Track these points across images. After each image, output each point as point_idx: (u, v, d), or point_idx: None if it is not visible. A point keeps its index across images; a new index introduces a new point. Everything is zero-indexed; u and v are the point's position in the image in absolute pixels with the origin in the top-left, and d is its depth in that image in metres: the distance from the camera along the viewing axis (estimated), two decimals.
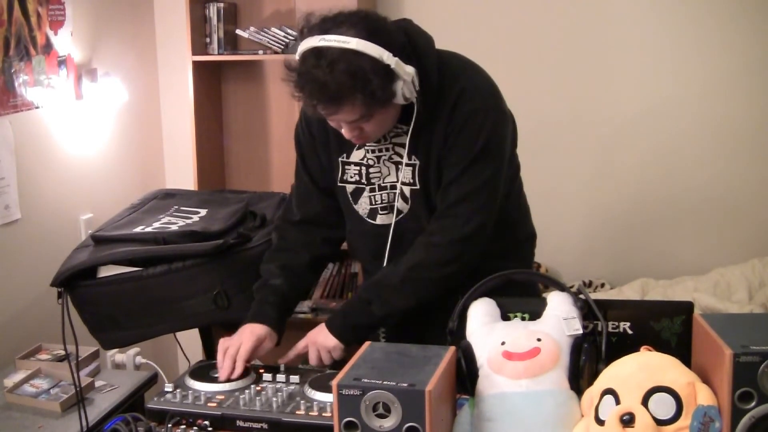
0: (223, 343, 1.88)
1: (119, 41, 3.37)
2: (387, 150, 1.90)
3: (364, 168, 1.93)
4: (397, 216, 1.94)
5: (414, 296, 1.88)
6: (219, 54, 3.48)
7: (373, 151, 1.91)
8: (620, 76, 3.57)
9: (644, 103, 3.56)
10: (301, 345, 1.93)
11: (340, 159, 1.95)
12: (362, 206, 1.97)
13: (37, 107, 2.80)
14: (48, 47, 2.83)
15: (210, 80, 3.62)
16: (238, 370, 1.80)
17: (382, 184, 1.93)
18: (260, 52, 3.47)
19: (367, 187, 1.94)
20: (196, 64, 3.43)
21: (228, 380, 1.77)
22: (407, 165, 1.88)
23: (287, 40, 3.40)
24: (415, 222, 1.92)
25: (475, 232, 1.85)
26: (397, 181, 1.91)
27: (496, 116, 1.86)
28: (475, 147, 1.82)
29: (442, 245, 1.86)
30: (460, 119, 1.82)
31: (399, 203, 1.92)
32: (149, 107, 3.62)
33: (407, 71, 1.71)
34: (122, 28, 3.40)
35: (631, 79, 3.56)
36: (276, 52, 3.43)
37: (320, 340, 1.89)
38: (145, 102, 3.58)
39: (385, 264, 1.94)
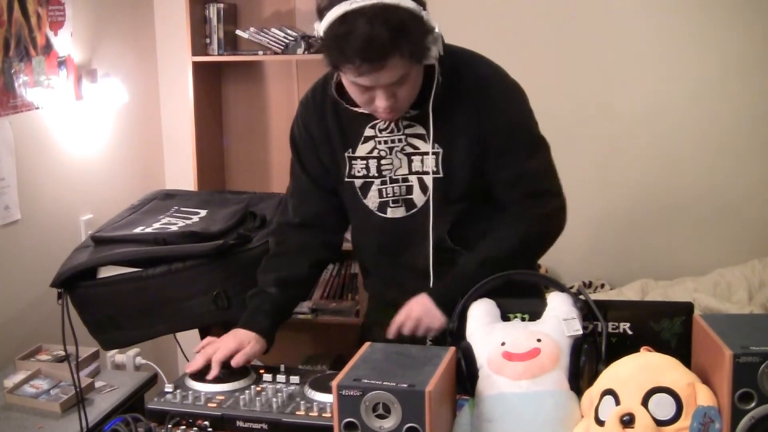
0: (205, 342, 1.87)
1: (119, 42, 3.37)
2: (400, 141, 1.88)
3: (374, 160, 1.91)
4: (410, 209, 1.92)
5: (524, 266, 1.90)
6: (219, 54, 3.49)
7: (385, 142, 1.89)
8: (620, 78, 3.57)
9: (644, 104, 3.57)
10: (401, 318, 1.85)
11: (346, 154, 1.93)
12: (372, 200, 1.94)
13: (37, 108, 2.80)
14: (48, 48, 2.83)
15: (210, 81, 3.62)
16: (213, 373, 1.77)
17: (394, 177, 1.91)
18: (260, 52, 3.47)
19: (378, 180, 1.92)
20: (196, 64, 3.44)
21: (225, 380, 1.77)
22: (432, 153, 1.86)
23: (287, 41, 3.40)
24: (428, 215, 1.89)
25: (564, 201, 1.94)
26: (409, 173, 1.89)
27: (523, 95, 1.93)
28: (520, 130, 1.89)
29: (551, 216, 1.92)
30: (493, 103, 1.84)
31: (415, 195, 1.90)
32: (149, 108, 3.63)
33: (436, 26, 1.72)
34: (122, 29, 3.40)
35: (631, 81, 3.56)
36: (276, 53, 3.43)
37: (427, 322, 1.82)
38: (145, 102, 3.58)
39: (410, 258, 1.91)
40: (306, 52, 3.35)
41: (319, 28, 1.71)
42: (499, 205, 1.93)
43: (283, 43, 3.41)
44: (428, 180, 1.88)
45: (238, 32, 3.51)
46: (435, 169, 1.87)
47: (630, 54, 3.55)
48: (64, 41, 2.92)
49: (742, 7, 3.44)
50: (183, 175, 3.60)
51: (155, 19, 3.64)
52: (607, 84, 3.58)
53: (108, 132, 3.27)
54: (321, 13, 1.71)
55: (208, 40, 3.49)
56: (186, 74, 3.44)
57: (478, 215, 1.93)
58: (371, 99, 1.76)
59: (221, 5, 3.46)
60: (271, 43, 3.42)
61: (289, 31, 3.42)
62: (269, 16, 3.59)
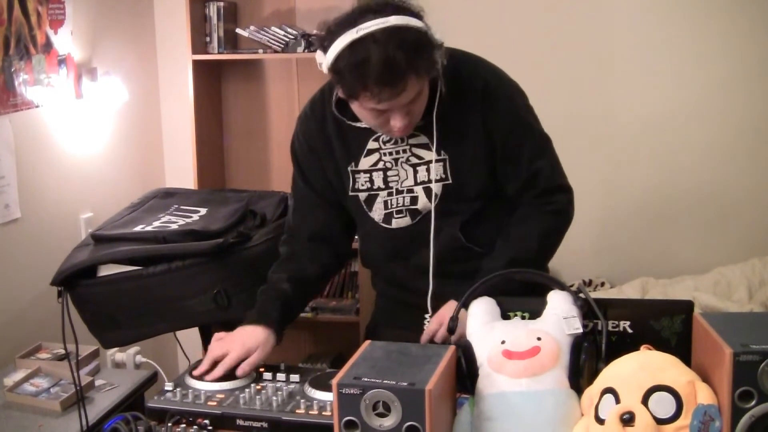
0: (216, 338, 1.86)
1: (119, 40, 3.37)
2: (404, 152, 1.88)
3: (379, 172, 1.91)
4: (415, 217, 1.92)
5: (545, 264, 1.96)
6: (219, 53, 3.48)
7: (390, 154, 1.89)
8: (622, 79, 3.57)
9: (646, 105, 3.57)
10: (433, 327, 1.84)
11: (349, 168, 1.92)
12: (377, 212, 1.94)
13: (37, 106, 2.80)
14: (48, 46, 2.83)
15: (210, 79, 3.62)
16: (215, 375, 1.76)
17: (400, 188, 1.91)
18: (260, 51, 3.47)
19: (384, 191, 1.92)
20: (196, 63, 3.43)
21: (225, 378, 1.76)
22: (437, 161, 1.87)
23: (287, 39, 3.40)
24: (436, 218, 1.89)
25: (572, 193, 1.98)
26: (415, 184, 1.89)
27: (524, 94, 1.95)
28: (526, 128, 1.90)
29: (564, 211, 1.95)
30: (498, 106, 1.85)
31: (421, 204, 1.90)
32: (149, 106, 3.62)
33: (439, 39, 1.72)
34: (122, 28, 3.40)
35: (633, 82, 3.56)
36: (276, 51, 3.42)
37: (461, 330, 1.77)
38: (145, 101, 3.58)
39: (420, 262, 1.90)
40: (306, 51, 3.35)
41: (326, 59, 1.69)
42: (509, 202, 1.94)
43: (283, 42, 3.40)
44: (434, 188, 1.88)
45: (238, 31, 3.50)
46: (444, 176, 1.88)
47: (631, 55, 3.55)
48: (64, 39, 2.92)
49: (746, 12, 3.44)
50: (183, 174, 3.60)
51: (155, 17, 3.64)
52: (610, 86, 3.58)
53: (108, 130, 3.27)
54: (323, 45, 1.69)
55: (208, 39, 3.49)
56: (186, 73, 3.44)
57: (489, 214, 1.94)
58: (386, 121, 1.76)
59: (221, 3, 3.46)
60: (271, 41, 3.42)
61: (289, 30, 3.42)
62: (269, 15, 3.59)
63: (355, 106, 1.77)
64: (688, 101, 3.54)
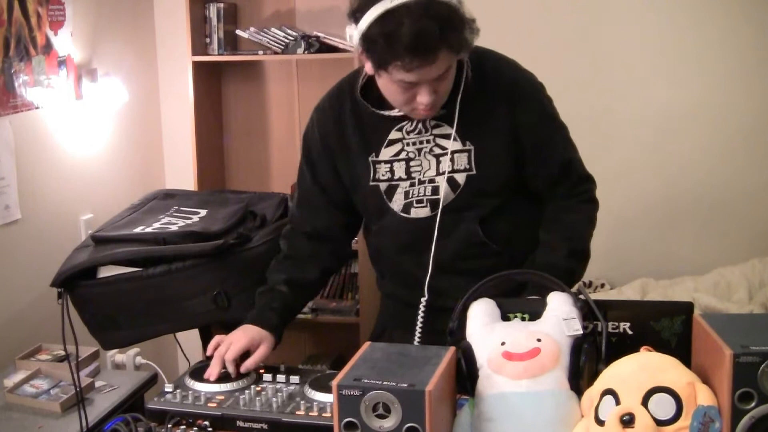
0: (215, 341, 1.86)
1: (119, 41, 3.37)
2: (428, 142, 1.88)
3: (401, 163, 1.90)
4: (435, 209, 1.90)
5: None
6: (219, 54, 3.49)
7: (413, 144, 1.89)
8: (620, 81, 3.57)
9: (645, 105, 3.56)
10: None
11: (370, 159, 1.92)
12: (397, 202, 1.93)
13: (37, 107, 2.80)
14: (48, 47, 2.83)
15: (210, 80, 3.62)
16: (230, 371, 1.78)
17: (422, 179, 1.90)
18: (260, 52, 3.47)
19: (407, 182, 1.91)
20: (196, 64, 3.44)
21: (225, 380, 1.76)
22: (462, 151, 1.87)
23: (287, 41, 3.40)
24: (456, 211, 1.89)
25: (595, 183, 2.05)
26: (437, 174, 1.88)
27: (543, 86, 2.00)
28: (555, 122, 1.95)
29: (596, 200, 2.05)
30: (525, 99, 1.89)
31: (443, 194, 1.89)
32: (149, 107, 3.63)
33: (471, 17, 1.73)
34: (122, 28, 3.40)
35: (631, 84, 3.56)
36: (276, 53, 3.43)
37: None
38: (145, 102, 3.58)
39: (432, 255, 1.89)
40: (306, 52, 3.35)
41: (356, 30, 1.70)
42: (528, 202, 1.95)
43: (283, 43, 3.41)
44: (458, 178, 1.88)
45: (238, 32, 3.51)
46: (468, 166, 1.87)
47: (631, 59, 3.54)
48: (64, 41, 2.92)
49: (747, 12, 3.44)
50: (183, 175, 3.60)
51: (155, 18, 3.64)
52: (609, 88, 3.57)
53: (108, 131, 3.27)
54: (355, 16, 1.70)
55: (208, 40, 3.49)
56: (186, 74, 3.44)
57: (507, 212, 1.94)
58: (412, 97, 1.75)
59: (221, 5, 3.46)
60: (271, 42, 3.42)
61: (289, 31, 3.42)
62: (269, 16, 3.59)
63: (382, 81, 1.76)
64: (688, 102, 3.54)
